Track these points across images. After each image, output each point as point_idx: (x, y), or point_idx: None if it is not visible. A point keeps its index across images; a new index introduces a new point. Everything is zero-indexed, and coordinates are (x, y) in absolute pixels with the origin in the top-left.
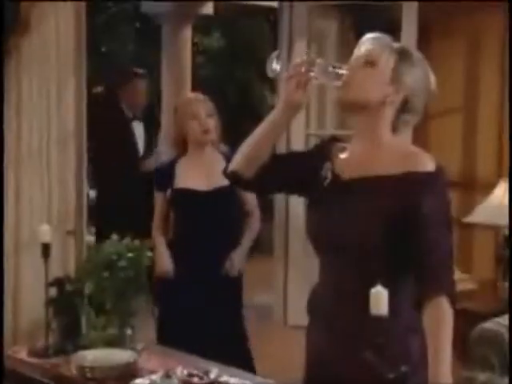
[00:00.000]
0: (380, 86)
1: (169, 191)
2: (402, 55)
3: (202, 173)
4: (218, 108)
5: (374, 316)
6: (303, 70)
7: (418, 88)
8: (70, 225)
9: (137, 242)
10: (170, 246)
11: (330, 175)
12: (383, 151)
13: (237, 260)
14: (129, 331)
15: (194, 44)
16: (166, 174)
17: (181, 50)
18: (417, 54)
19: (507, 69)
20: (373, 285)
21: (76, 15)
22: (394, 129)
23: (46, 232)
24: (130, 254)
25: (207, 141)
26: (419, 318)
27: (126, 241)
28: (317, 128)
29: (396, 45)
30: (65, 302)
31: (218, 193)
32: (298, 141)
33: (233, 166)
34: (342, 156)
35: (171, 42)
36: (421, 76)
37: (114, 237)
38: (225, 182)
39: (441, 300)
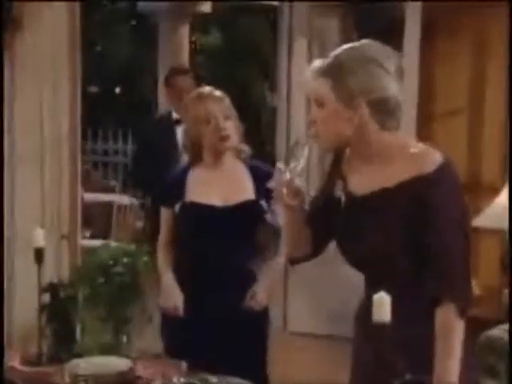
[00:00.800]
0: (342, 121)
1: (178, 206)
2: (334, 70)
3: (219, 185)
4: None
5: (377, 323)
6: (285, 192)
7: (374, 85)
8: (64, 229)
9: (133, 247)
10: (178, 272)
11: (343, 195)
12: (387, 158)
13: (262, 294)
14: (124, 339)
15: (191, 43)
16: (175, 185)
17: (178, 49)
18: (352, 56)
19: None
20: (401, 295)
21: (70, 13)
22: (388, 127)
23: (39, 236)
24: (125, 259)
25: (226, 149)
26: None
27: (122, 245)
28: None
29: (326, 62)
30: (58, 309)
31: (238, 209)
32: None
33: (289, 255)
34: (353, 171)
35: (168, 41)
36: (367, 73)
37: (110, 241)
38: (246, 197)
39: (448, 307)
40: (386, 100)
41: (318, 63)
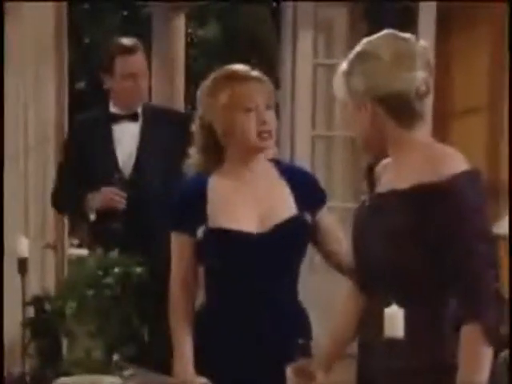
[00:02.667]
0: (360, 121)
1: (200, 232)
2: (346, 69)
3: (251, 200)
4: None
5: (388, 338)
6: None
7: (378, 82)
8: (50, 237)
9: (124, 256)
10: (200, 323)
11: (367, 197)
12: (404, 157)
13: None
14: (116, 357)
15: (187, 35)
16: (193, 202)
17: (173, 42)
18: (357, 52)
19: None
20: (414, 308)
21: (55, 3)
22: (407, 125)
23: (23, 246)
24: (116, 270)
25: (265, 148)
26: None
27: (113, 254)
28: (324, 129)
29: (343, 66)
30: (44, 324)
31: (280, 232)
32: (304, 142)
33: None
34: (385, 173)
35: (162, 33)
36: (375, 67)
37: (99, 250)
38: (288, 213)
39: (473, 327)
40: (396, 96)
41: (342, 64)
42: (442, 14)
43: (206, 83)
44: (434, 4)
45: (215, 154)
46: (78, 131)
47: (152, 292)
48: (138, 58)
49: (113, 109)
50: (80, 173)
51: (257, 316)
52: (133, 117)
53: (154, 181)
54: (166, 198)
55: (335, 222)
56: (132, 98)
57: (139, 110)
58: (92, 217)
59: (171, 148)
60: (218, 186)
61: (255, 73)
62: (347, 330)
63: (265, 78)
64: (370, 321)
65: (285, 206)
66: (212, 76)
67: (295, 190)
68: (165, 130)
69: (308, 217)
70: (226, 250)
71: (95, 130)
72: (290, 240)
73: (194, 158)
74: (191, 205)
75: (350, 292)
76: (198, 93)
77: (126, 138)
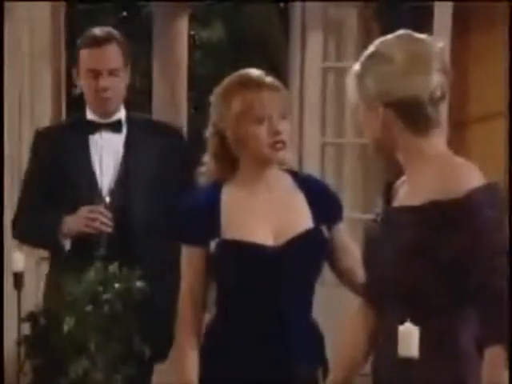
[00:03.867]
0: (371, 125)
1: (213, 244)
2: (357, 71)
3: (266, 211)
4: None
5: (403, 358)
6: None
7: (390, 86)
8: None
9: (125, 270)
10: (210, 338)
11: (380, 211)
12: (418, 168)
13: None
14: (117, 377)
15: (190, 37)
16: (205, 213)
17: (175, 44)
18: (370, 53)
19: None
20: (428, 327)
21: (54, 5)
22: (421, 132)
23: (18, 259)
24: (117, 284)
25: (278, 159)
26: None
27: (113, 268)
28: (334, 136)
29: (356, 68)
30: (40, 341)
31: (296, 245)
32: (313, 150)
33: None
34: (401, 189)
35: (164, 34)
36: (388, 70)
37: (98, 263)
38: (304, 225)
39: (497, 352)
40: (409, 100)
41: (354, 66)
42: (459, 13)
43: (219, 89)
44: (450, 3)
45: (228, 162)
46: (42, 142)
47: (154, 308)
48: (106, 52)
49: (90, 116)
50: (46, 192)
51: (269, 333)
52: (114, 126)
53: (138, 202)
54: (152, 222)
55: (351, 238)
56: (98, 101)
57: (122, 118)
58: (67, 245)
59: (160, 166)
60: (231, 197)
61: (269, 79)
62: (358, 351)
63: (279, 85)
64: (382, 340)
65: (301, 218)
66: (225, 82)
67: (312, 202)
68: (153, 145)
69: (325, 230)
70: (239, 263)
71: (66, 140)
72: (306, 254)
73: (207, 165)
74: (204, 216)
75: (359, 309)
76: (212, 98)
77: (107, 151)
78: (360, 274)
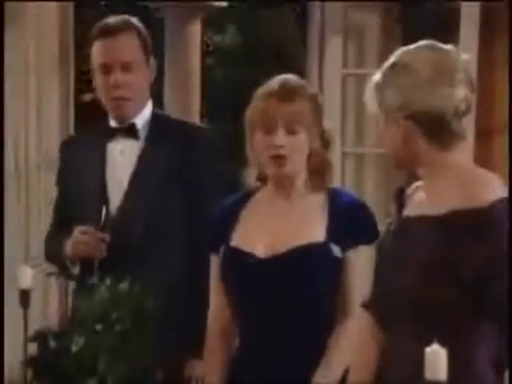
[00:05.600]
0: (391, 137)
1: (221, 251)
2: (378, 81)
3: (279, 221)
4: (233, 119)
5: (430, 381)
6: None
7: (418, 96)
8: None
9: (137, 286)
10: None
11: (393, 220)
12: (439, 181)
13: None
14: None
15: (203, 43)
16: (223, 221)
17: (188, 49)
18: (392, 64)
19: None
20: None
21: (61, 8)
22: (443, 145)
23: (25, 275)
24: (128, 302)
25: (278, 174)
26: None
27: (124, 285)
28: (354, 146)
29: (376, 78)
30: (48, 362)
31: (291, 259)
32: (332, 161)
33: None
34: (416, 195)
35: (176, 40)
36: (411, 82)
37: (108, 280)
38: (309, 238)
39: None
40: (432, 114)
41: (375, 75)
42: (486, 19)
43: (258, 96)
44: (477, 9)
45: (262, 172)
46: (62, 154)
47: (166, 327)
48: (118, 42)
49: (112, 122)
50: (64, 207)
51: (272, 352)
52: (130, 131)
53: (144, 220)
54: (164, 237)
55: (363, 267)
56: (110, 101)
57: (137, 122)
58: (75, 270)
59: (180, 174)
60: (252, 208)
61: (289, 87)
62: (366, 371)
63: (306, 93)
64: (392, 360)
65: (309, 232)
66: (265, 88)
67: (332, 218)
68: (172, 151)
69: (334, 248)
70: (233, 271)
71: (84, 149)
72: (301, 268)
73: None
74: (220, 225)
75: (366, 326)
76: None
77: (121, 160)
78: (349, 308)
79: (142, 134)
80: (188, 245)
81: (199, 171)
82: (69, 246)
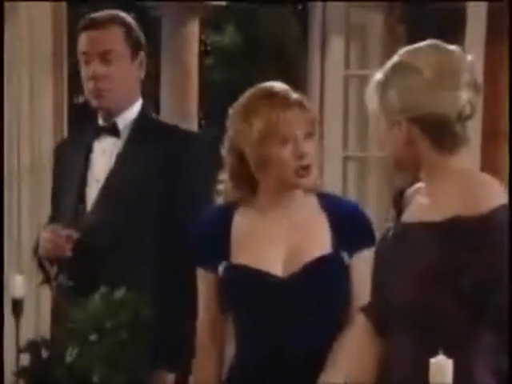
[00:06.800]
0: (392, 140)
1: (221, 268)
2: (380, 82)
3: (281, 236)
4: None
5: None
6: None
7: (417, 101)
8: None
9: (132, 295)
10: (230, 374)
11: (392, 224)
12: (440, 186)
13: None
14: None
15: (201, 42)
16: (215, 234)
17: (185, 49)
18: (396, 64)
19: None
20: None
21: (54, 7)
22: (447, 149)
23: (17, 284)
24: (123, 310)
25: (302, 185)
26: None
27: (119, 293)
28: (357, 149)
29: (378, 77)
30: (40, 373)
31: (304, 278)
32: (334, 165)
33: None
34: (415, 199)
35: (173, 39)
36: (414, 83)
37: (103, 288)
38: (320, 251)
39: None
40: (435, 117)
41: (376, 75)
42: (493, 21)
43: (240, 103)
44: (484, 10)
45: (247, 183)
46: (59, 155)
47: (162, 335)
48: (102, 34)
49: (99, 120)
50: (53, 209)
51: (281, 371)
52: (113, 130)
53: (116, 221)
54: (144, 243)
55: (367, 273)
56: (90, 93)
57: (119, 121)
58: (53, 270)
59: (162, 180)
60: (245, 220)
61: (296, 96)
62: (363, 377)
63: (306, 102)
64: (391, 369)
65: (318, 244)
66: (247, 95)
67: (335, 226)
68: (154, 154)
69: (345, 256)
70: (243, 289)
71: (77, 150)
72: (319, 282)
73: (224, 184)
74: (214, 238)
75: (364, 334)
76: (230, 112)
77: (101, 159)
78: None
79: (125, 133)
80: (160, 253)
81: (182, 178)
82: (40, 246)
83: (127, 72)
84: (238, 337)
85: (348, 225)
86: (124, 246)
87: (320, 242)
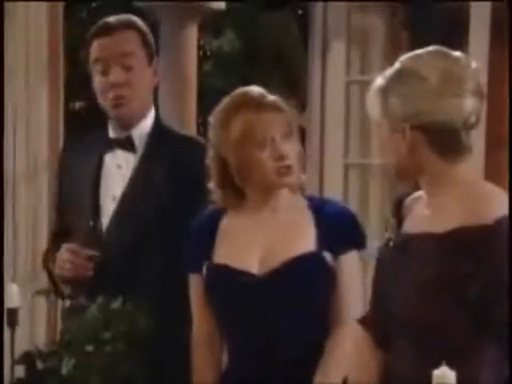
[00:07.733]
0: (394, 147)
1: (204, 268)
2: (382, 88)
3: (265, 235)
4: None
5: None
6: None
7: (426, 105)
8: (41, 282)
9: (129, 305)
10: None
11: (392, 234)
12: (444, 195)
13: None
14: None
15: (200, 47)
16: (201, 239)
17: (184, 54)
18: (399, 70)
19: None
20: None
21: (51, 11)
22: (451, 157)
23: (12, 294)
24: (120, 321)
25: (284, 185)
26: None
27: (116, 304)
28: (358, 156)
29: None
30: None
31: (280, 276)
32: (335, 172)
33: None
34: (417, 209)
35: (171, 44)
36: (417, 90)
37: (100, 299)
38: (302, 249)
39: None
40: (440, 125)
41: (377, 80)
42: (497, 23)
43: (217, 110)
44: (487, 11)
45: (233, 190)
46: (66, 162)
47: (160, 348)
48: (118, 39)
49: (111, 131)
50: (60, 224)
51: (271, 371)
52: (127, 143)
53: (136, 236)
54: (155, 255)
55: (354, 274)
56: (108, 102)
57: (134, 134)
58: (66, 290)
59: (177, 193)
60: (231, 223)
61: (271, 98)
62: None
63: (283, 104)
64: (392, 380)
65: (300, 242)
66: (224, 102)
67: (321, 226)
68: (171, 168)
69: (328, 256)
70: (223, 289)
71: (86, 161)
72: (298, 281)
73: (213, 193)
74: (200, 242)
75: (365, 347)
76: (210, 120)
77: (117, 174)
78: (343, 315)
79: (140, 147)
80: (168, 267)
81: (200, 190)
82: (56, 264)
83: (146, 78)
84: (226, 336)
85: (334, 225)
86: (140, 261)
87: (303, 241)
